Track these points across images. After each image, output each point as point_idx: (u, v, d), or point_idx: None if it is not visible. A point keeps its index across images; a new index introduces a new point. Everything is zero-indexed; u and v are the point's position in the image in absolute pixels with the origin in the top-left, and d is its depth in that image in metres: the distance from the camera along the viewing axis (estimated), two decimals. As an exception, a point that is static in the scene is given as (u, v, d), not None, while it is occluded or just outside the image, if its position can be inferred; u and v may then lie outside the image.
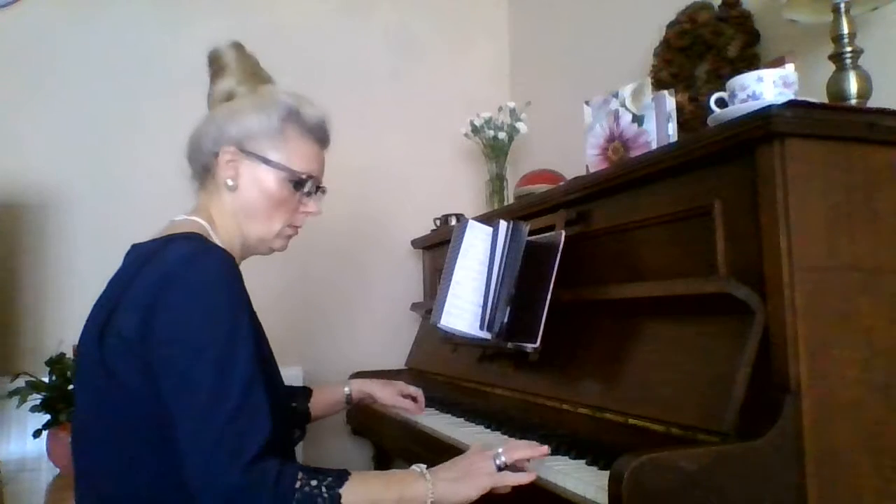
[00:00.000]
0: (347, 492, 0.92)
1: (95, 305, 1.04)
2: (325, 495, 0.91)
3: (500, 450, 1.04)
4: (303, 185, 1.13)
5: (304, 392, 1.48)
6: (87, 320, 1.03)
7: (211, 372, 0.90)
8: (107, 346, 0.96)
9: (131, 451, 0.95)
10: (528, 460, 1.08)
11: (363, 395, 1.54)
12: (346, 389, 1.53)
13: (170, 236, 1.04)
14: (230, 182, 1.10)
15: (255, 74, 1.17)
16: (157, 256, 0.98)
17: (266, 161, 1.10)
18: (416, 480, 0.98)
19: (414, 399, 1.59)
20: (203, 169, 1.14)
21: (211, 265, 0.96)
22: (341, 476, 0.94)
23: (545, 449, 1.08)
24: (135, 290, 0.96)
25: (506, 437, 1.41)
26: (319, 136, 1.17)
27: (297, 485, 0.90)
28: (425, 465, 1.02)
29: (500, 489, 1.03)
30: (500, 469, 1.03)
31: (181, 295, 0.93)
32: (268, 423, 0.92)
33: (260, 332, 1.08)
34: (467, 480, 1.00)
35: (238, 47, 1.18)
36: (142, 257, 1.01)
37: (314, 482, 0.91)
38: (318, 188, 1.18)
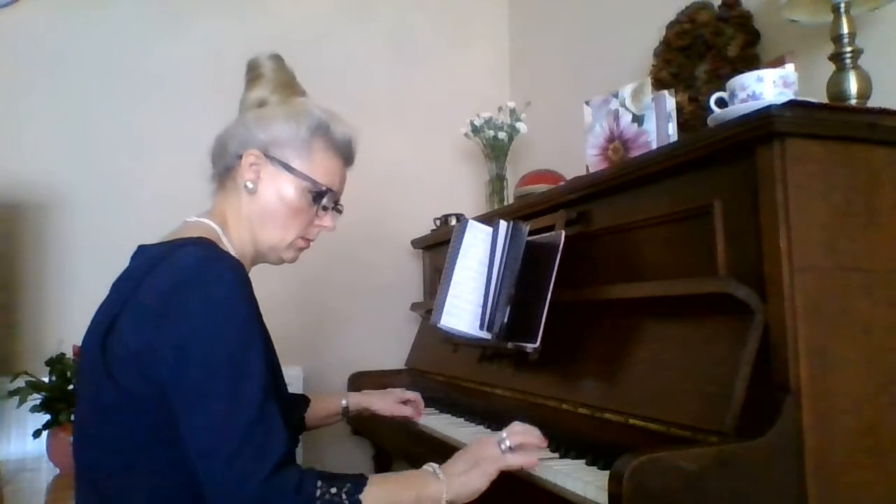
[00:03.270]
0: (367, 497, 0.93)
1: (100, 307, 1.03)
2: (346, 502, 0.91)
3: (504, 434, 1.09)
4: (321, 197, 1.13)
5: (302, 400, 1.47)
6: (92, 321, 1.02)
7: (226, 382, 0.89)
8: (110, 351, 0.95)
9: (132, 453, 0.95)
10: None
11: (361, 409, 1.53)
12: (344, 402, 1.52)
13: (180, 241, 1.02)
14: (250, 185, 1.10)
15: (290, 86, 1.18)
16: (166, 262, 0.97)
17: (289, 168, 1.10)
18: (431, 480, 1.01)
19: (412, 404, 1.58)
20: (224, 170, 1.14)
21: (221, 273, 0.94)
22: (360, 482, 0.94)
23: (544, 442, 1.14)
24: (142, 296, 0.95)
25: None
26: (345, 153, 1.17)
27: (318, 493, 0.90)
28: (437, 465, 1.04)
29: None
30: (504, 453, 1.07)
31: (192, 304, 0.91)
32: (285, 432, 0.92)
33: (268, 339, 1.07)
34: (476, 471, 1.04)
35: (277, 59, 1.18)
36: (150, 261, 0.99)
37: (334, 489, 0.92)
38: (336, 205, 1.18)
